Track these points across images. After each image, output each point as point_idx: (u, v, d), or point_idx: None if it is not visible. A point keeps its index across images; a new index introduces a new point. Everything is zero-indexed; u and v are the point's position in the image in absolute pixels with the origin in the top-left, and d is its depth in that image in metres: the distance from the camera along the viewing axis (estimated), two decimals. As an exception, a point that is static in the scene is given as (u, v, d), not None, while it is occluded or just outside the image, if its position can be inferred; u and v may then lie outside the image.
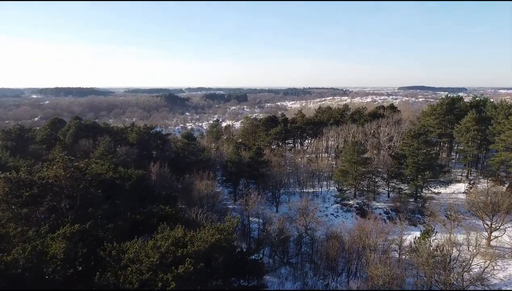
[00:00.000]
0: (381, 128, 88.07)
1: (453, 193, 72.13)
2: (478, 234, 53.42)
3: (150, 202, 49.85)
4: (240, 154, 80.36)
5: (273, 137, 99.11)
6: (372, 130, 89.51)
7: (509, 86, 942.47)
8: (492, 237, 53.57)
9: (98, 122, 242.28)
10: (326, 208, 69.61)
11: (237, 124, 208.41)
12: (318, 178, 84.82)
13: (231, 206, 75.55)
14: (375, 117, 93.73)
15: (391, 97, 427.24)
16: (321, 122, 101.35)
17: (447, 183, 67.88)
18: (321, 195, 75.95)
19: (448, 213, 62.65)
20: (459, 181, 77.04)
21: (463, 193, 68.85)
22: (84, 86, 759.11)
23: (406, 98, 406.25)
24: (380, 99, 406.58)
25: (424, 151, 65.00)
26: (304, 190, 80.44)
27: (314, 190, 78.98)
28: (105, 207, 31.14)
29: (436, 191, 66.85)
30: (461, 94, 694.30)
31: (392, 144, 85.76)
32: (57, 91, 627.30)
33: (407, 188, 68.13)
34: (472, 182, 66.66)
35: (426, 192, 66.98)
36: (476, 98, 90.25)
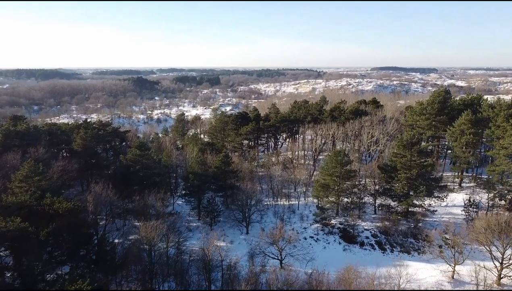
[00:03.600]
0: (364, 129, 78.32)
1: (447, 205, 63.60)
2: (487, 270, 44.81)
3: (78, 253, 38.58)
4: (205, 162, 69.28)
5: (244, 138, 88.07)
6: (355, 131, 79.67)
7: (478, 67, 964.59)
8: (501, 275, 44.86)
9: (58, 112, 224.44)
10: (305, 228, 59.66)
11: (207, 114, 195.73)
12: (295, 186, 74.94)
13: (194, 224, 64.87)
14: (357, 114, 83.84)
15: (365, 80, 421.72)
16: (297, 119, 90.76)
17: (442, 198, 58.85)
18: (298, 211, 65.95)
19: (446, 237, 53.96)
20: (451, 190, 68.51)
21: (461, 210, 59.99)
22: (48, 68, 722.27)
23: (381, 81, 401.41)
24: (355, 82, 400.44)
25: (418, 162, 55.55)
26: (279, 202, 70.42)
27: (290, 203, 68.93)
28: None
29: (430, 208, 57.72)
30: (432, 74, 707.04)
31: (377, 147, 76.56)
32: (19, 73, 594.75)
33: (397, 204, 58.84)
34: (472, 199, 57.80)
35: (418, 208, 57.71)
36: (470, 96, 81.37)
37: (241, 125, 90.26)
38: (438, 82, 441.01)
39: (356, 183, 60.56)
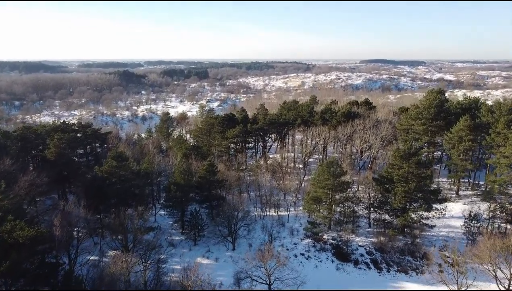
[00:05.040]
0: (357, 133, 74.56)
1: (444, 217, 60.04)
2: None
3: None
4: (190, 170, 65.02)
5: (231, 141, 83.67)
6: (347, 136, 75.85)
7: (465, 60, 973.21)
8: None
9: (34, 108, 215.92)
10: (295, 244, 55.72)
11: (195, 110, 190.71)
12: (284, 194, 71.17)
13: (177, 238, 60.55)
14: (349, 117, 79.84)
15: (355, 74, 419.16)
16: (286, 122, 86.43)
17: (441, 211, 55.28)
18: (288, 223, 61.93)
19: (445, 254, 50.76)
20: (448, 199, 64.83)
21: (461, 223, 56.50)
22: (33, 60, 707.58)
23: (370, 75, 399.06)
24: (344, 76, 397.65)
25: (415, 173, 51.76)
26: (268, 213, 66.47)
27: (279, 214, 64.89)
28: None
29: (428, 222, 54.07)
30: (420, 67, 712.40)
31: (371, 153, 72.98)
32: (2, 66, 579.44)
33: (393, 218, 55.20)
34: (473, 213, 54.15)
35: (416, 224, 54.00)
36: (468, 100, 77.91)
37: (228, 127, 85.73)
38: (427, 76, 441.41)
39: (350, 195, 56.59)
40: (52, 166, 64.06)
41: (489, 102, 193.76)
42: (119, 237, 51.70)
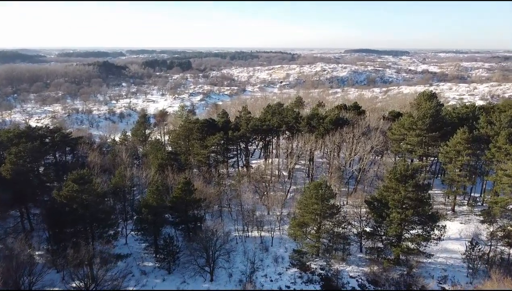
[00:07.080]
0: (346, 143, 69.42)
1: (440, 239, 55.45)
2: None
3: None
4: (165, 184, 59.43)
5: (211, 151, 77.55)
6: (335, 147, 70.57)
7: (447, 49, 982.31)
8: None
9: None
10: (280, 275, 50.30)
11: (176, 105, 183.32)
12: (268, 210, 65.90)
13: (150, 264, 54.62)
14: (337, 124, 74.38)
15: (340, 65, 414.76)
16: (270, 129, 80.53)
17: (439, 237, 50.55)
18: (272, 248, 56.41)
19: (445, 288, 46.20)
20: (444, 216, 60.40)
21: (459, 248, 51.99)
22: (9, 49, 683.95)
23: (356, 67, 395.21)
24: (329, 68, 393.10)
25: (413, 197, 46.70)
26: (250, 233, 61.00)
27: (262, 235, 59.42)
28: None
29: (426, 251, 49.33)
30: (404, 57, 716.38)
31: (361, 166, 67.91)
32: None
33: (387, 245, 50.27)
34: (474, 243, 49.41)
35: (414, 255, 49.13)
36: (464, 108, 73.17)
37: (207, 134, 79.47)
38: (411, 68, 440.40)
39: (340, 218, 51.28)
40: (8, 185, 57.09)
41: (477, 98, 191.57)
42: (82, 270, 45.93)
